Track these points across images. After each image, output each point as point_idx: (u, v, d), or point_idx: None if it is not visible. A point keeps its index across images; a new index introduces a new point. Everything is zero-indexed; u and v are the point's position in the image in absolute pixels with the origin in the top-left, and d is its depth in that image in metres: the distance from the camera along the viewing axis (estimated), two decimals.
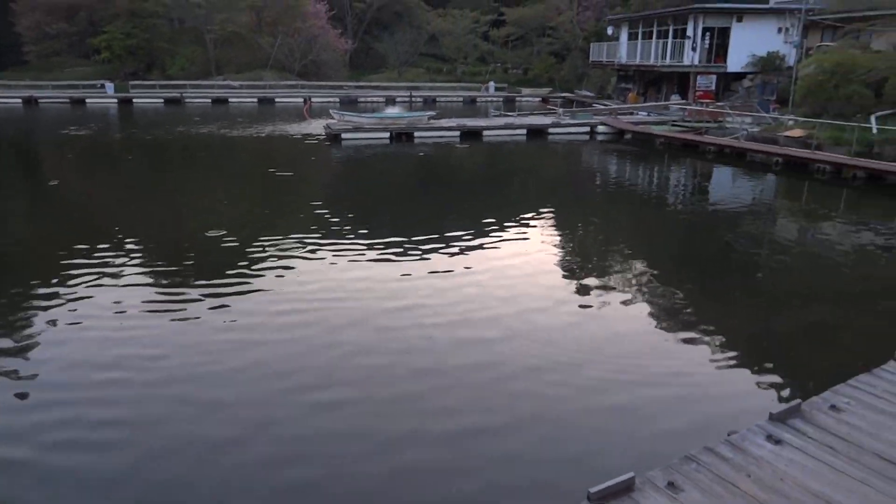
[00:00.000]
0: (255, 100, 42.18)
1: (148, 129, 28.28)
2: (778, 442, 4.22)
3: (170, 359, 6.76)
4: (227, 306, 8.15)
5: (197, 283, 9.05)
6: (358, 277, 9.36)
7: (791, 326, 8.17)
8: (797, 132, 20.08)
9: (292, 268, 9.76)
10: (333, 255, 10.33)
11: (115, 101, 40.23)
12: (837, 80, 20.21)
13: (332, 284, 9.10)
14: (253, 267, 9.74)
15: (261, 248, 10.63)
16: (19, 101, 38.94)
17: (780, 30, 28.43)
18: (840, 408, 4.63)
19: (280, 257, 10.21)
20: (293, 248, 10.71)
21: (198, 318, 7.84)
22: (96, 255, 10.17)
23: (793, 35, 27.38)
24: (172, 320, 7.74)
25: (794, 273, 10.42)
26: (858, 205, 15.35)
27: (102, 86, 41.79)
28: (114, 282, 8.97)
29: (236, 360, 6.74)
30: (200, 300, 8.34)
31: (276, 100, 42.37)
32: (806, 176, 17.61)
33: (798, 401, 4.66)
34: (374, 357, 6.92)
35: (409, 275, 9.50)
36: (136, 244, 10.88)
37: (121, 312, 7.92)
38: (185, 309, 8.06)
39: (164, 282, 9.13)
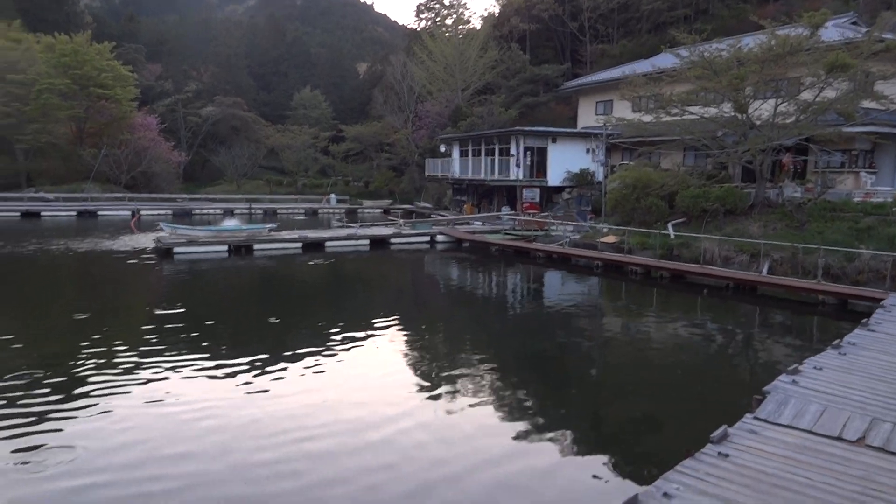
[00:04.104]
0: (74, 213, 38.86)
1: None
2: None
3: None
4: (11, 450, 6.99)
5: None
6: (190, 398, 8.56)
7: (623, 417, 8.73)
8: (611, 238, 22.51)
9: (108, 411, 8.69)
10: (166, 374, 9.41)
11: None
12: (638, 194, 23.24)
13: (165, 417, 8.21)
14: (70, 408, 8.53)
15: (80, 384, 9.39)
16: None
17: (587, 150, 32.46)
18: (671, 494, 4.91)
19: (96, 385, 9.05)
20: (116, 372, 9.59)
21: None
22: None
23: (598, 155, 31.39)
24: None
25: (620, 366, 11.28)
26: (667, 301, 17.26)
27: None
28: None
29: None
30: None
31: (100, 213, 39.40)
32: (622, 277, 19.60)
33: (636, 492, 4.88)
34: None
35: (255, 393, 8.89)
36: None
37: None
38: None
39: None
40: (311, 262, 22.30)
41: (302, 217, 42.64)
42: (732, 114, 21.79)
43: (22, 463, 6.73)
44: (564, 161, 32.02)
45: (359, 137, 54.14)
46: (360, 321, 13.75)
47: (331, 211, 45.05)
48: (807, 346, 12.11)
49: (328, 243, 25.02)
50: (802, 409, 6.70)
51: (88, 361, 10.16)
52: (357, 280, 20.89)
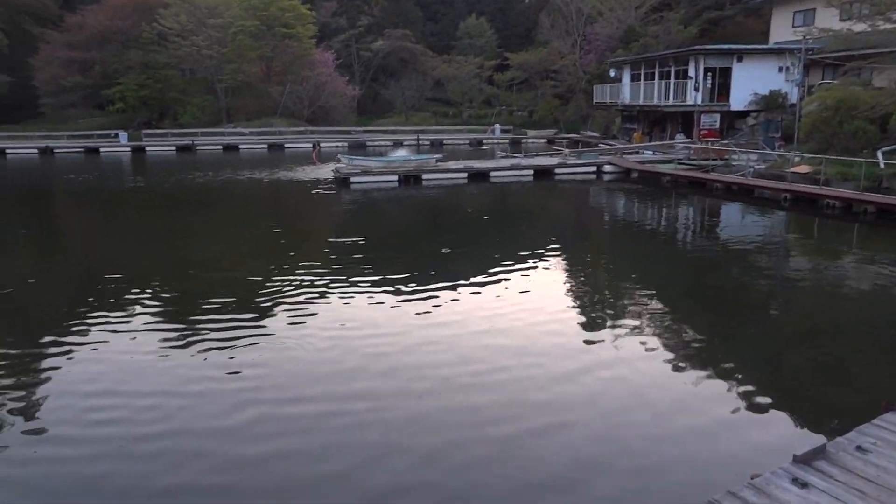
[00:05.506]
0: (266, 146, 42.94)
1: (161, 176, 28.82)
2: (804, 485, 4.10)
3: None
4: (234, 357, 8.14)
5: (211, 326, 9.03)
6: (372, 322, 9.35)
7: (809, 364, 8.05)
8: (804, 168, 20.15)
9: (308, 314, 9.73)
10: (350, 297, 10.34)
11: (129, 149, 41.05)
12: (841, 117, 20.37)
13: (345, 329, 9.06)
14: (268, 314, 9.73)
15: (276, 294, 10.64)
16: (35, 151, 39.85)
17: (780, 69, 28.87)
18: (867, 448, 4.51)
19: (293, 304, 10.17)
20: (308, 293, 10.70)
21: (217, 371, 7.84)
22: (109, 304, 10.24)
23: (794, 73, 27.78)
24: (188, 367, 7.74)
25: (811, 310, 10.30)
26: (871, 239, 15.27)
27: (116, 135, 42.73)
28: (128, 327, 9.00)
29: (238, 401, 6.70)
30: (217, 343, 8.34)
31: (286, 145, 43.13)
32: (816, 211, 17.59)
33: (823, 441, 4.56)
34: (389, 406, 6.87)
35: (427, 314, 9.47)
36: (150, 293, 10.91)
37: (136, 356, 7.95)
38: (198, 354, 8.07)
39: (180, 327, 9.13)
40: (476, 192, 22.69)
41: (467, 147, 43.22)
42: None
43: (230, 373, 7.85)
44: (751, 82, 28.82)
45: (523, 65, 52.84)
46: (527, 253, 13.77)
47: (495, 141, 45.09)
48: None
49: (493, 174, 25.21)
50: None
51: (283, 284, 11.28)
52: (522, 211, 20.93)
